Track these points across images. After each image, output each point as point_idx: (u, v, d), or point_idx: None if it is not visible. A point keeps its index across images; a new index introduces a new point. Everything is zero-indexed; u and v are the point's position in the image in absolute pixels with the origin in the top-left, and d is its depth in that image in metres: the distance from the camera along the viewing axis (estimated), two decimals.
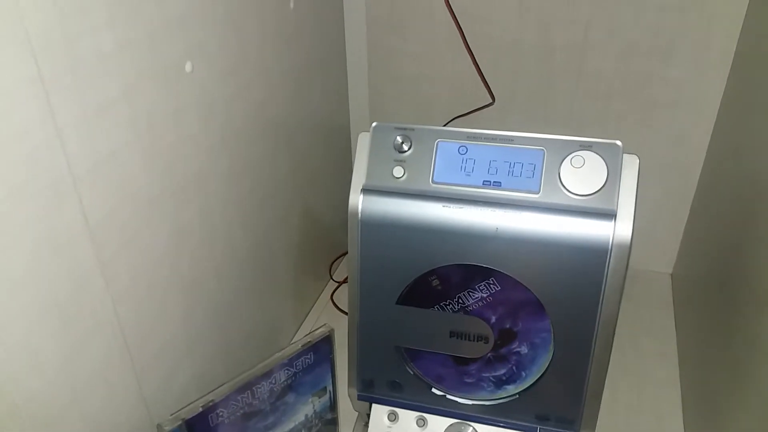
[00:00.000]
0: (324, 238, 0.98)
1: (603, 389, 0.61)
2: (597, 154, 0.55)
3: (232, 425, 0.61)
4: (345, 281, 0.99)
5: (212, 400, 0.59)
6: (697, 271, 0.86)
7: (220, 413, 0.59)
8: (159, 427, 0.56)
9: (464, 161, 0.58)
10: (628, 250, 0.55)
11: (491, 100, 0.93)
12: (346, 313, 0.87)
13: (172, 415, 0.57)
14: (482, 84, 0.92)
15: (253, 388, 0.62)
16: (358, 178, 0.60)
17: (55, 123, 0.42)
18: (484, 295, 0.61)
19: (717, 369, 0.67)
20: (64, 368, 0.46)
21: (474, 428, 0.66)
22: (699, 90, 0.87)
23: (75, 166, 0.45)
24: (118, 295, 0.51)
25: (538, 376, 0.62)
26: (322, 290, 0.98)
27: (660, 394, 0.79)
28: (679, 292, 0.95)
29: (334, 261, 1.02)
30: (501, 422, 0.65)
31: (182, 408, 0.57)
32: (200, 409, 0.58)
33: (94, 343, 0.49)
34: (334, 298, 0.96)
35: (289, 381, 0.65)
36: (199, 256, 0.62)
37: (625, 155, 0.56)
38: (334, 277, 1.00)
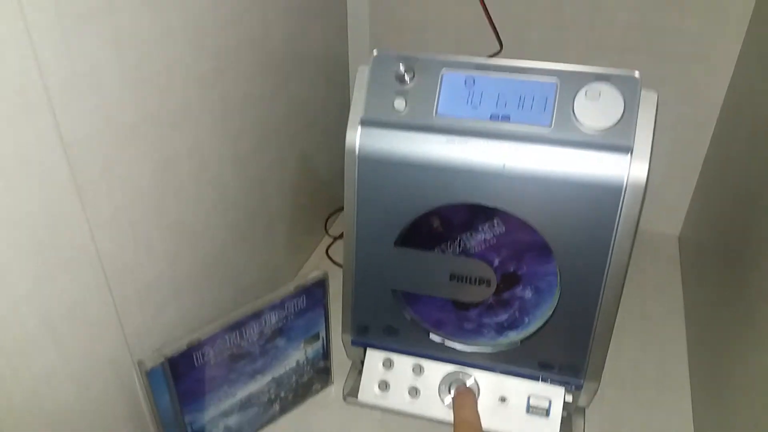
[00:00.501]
0: (320, 191, 0.94)
1: (611, 336, 0.59)
2: (614, 86, 0.51)
3: (219, 366, 0.58)
4: (341, 236, 0.95)
5: (198, 338, 0.56)
6: (705, 233, 0.83)
7: (206, 352, 0.57)
8: (140, 363, 0.53)
9: (471, 93, 0.54)
10: (643, 189, 0.51)
11: (499, 48, 0.88)
12: (341, 266, 0.85)
13: (154, 351, 0.54)
14: (490, 31, 0.88)
15: (242, 329, 0.59)
16: (357, 111, 0.56)
17: (26, 24, 0.38)
18: (488, 237, 0.57)
19: (724, 327, 0.65)
20: (34, 293, 0.43)
21: (473, 376, 0.63)
22: (716, 43, 0.83)
23: (48, 74, 0.41)
24: (97, 224, 0.48)
25: (542, 323, 0.59)
26: (317, 245, 0.95)
27: (665, 350, 0.77)
28: (686, 254, 0.92)
29: (330, 216, 0.99)
30: (502, 370, 0.62)
31: (166, 344, 0.55)
32: (185, 347, 0.55)
33: (69, 271, 0.46)
34: (329, 252, 0.93)
35: (280, 324, 0.62)
36: (187, 195, 0.59)
37: (642, 90, 0.52)
38: (330, 233, 0.97)
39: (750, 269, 0.59)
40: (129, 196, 0.51)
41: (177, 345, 0.55)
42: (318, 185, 0.93)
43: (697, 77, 0.85)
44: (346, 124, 0.56)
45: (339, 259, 0.90)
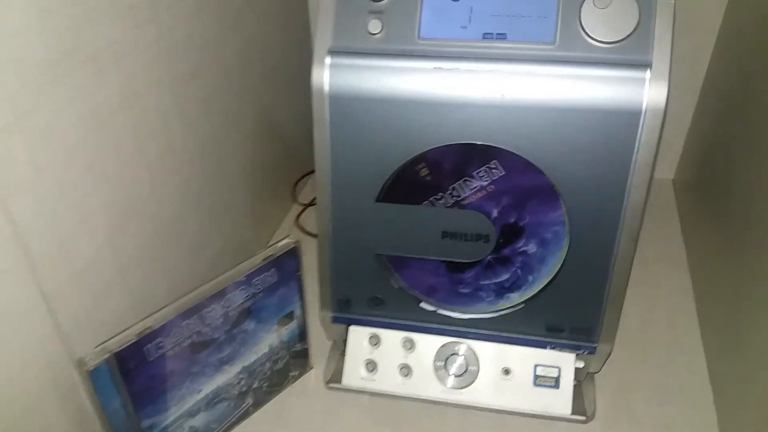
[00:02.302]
0: (286, 153, 0.84)
1: (625, 292, 0.51)
2: None
3: (178, 358, 0.49)
4: (312, 203, 0.86)
5: (149, 327, 0.47)
6: (701, 175, 0.78)
7: (161, 343, 0.47)
8: (80, 362, 0.44)
9: (459, 9, 0.45)
10: (663, 112, 0.44)
11: None
12: (315, 236, 0.76)
13: (96, 347, 0.45)
14: None
15: (203, 312, 0.50)
16: (323, 40, 0.47)
17: None
18: (485, 184, 0.49)
19: (730, 273, 0.59)
20: None
21: (470, 347, 0.56)
22: None
23: None
24: (9, 183, 0.38)
25: (549, 280, 0.52)
26: (286, 214, 0.86)
27: (672, 302, 0.71)
28: (682, 198, 0.86)
29: (299, 181, 0.89)
30: (504, 338, 0.55)
31: (111, 338, 0.45)
32: (134, 338, 0.46)
33: None
34: (300, 221, 0.84)
35: (247, 304, 0.53)
36: (126, 153, 0.49)
37: None
38: (299, 200, 0.87)
39: (750, 208, 0.53)
40: (52, 149, 0.41)
41: (125, 337, 0.46)
42: (283, 145, 0.83)
43: (692, 3, 0.78)
44: (310, 69, 0.47)
45: (311, 228, 0.81)
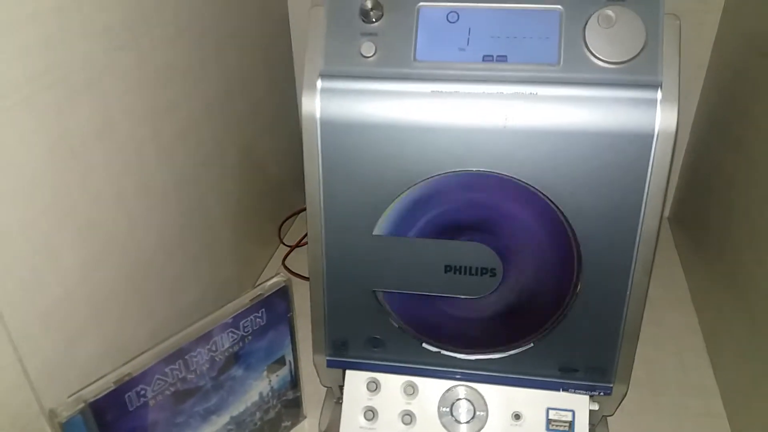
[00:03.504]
0: (271, 192, 0.82)
1: (640, 327, 0.48)
2: (631, 9, 0.42)
3: (161, 408, 0.45)
4: (299, 244, 0.83)
5: (129, 374, 0.43)
6: (696, 213, 0.76)
7: (142, 391, 0.43)
8: (51, 413, 0.40)
9: (456, 31, 0.43)
10: (675, 133, 0.42)
11: None
12: (305, 278, 0.72)
13: (70, 396, 0.40)
14: None
15: (187, 357, 0.46)
16: (314, 63, 0.45)
17: None
18: (489, 214, 0.46)
19: (736, 309, 0.57)
20: None
21: (478, 391, 0.52)
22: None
23: None
24: None
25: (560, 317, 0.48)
26: (271, 257, 0.82)
27: (682, 343, 0.68)
28: (679, 235, 0.84)
29: (284, 221, 0.86)
30: (514, 380, 0.51)
31: (86, 386, 0.41)
32: (112, 387, 0.42)
33: None
34: (287, 263, 0.80)
35: (235, 348, 0.49)
36: (99, 186, 0.46)
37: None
38: (285, 242, 0.84)
39: (750, 242, 0.52)
40: (14, 178, 0.38)
41: (101, 385, 0.42)
42: (267, 184, 0.80)
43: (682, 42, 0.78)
44: (297, 109, 0.45)
45: (300, 270, 0.78)
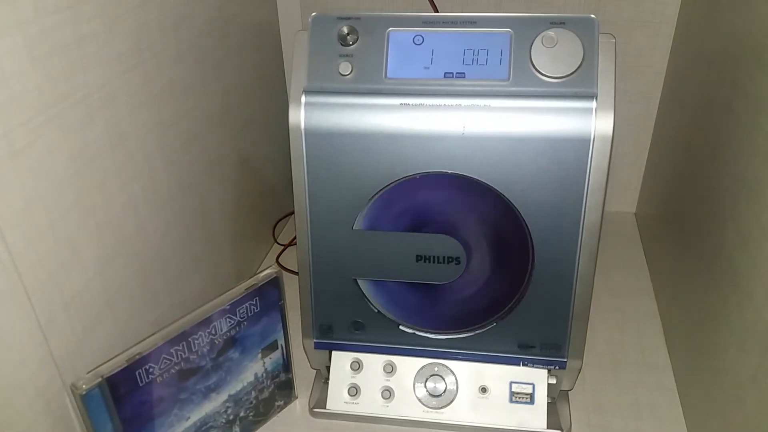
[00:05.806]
0: (266, 196, 0.88)
1: (590, 308, 0.55)
2: (570, 30, 0.48)
3: (167, 384, 0.51)
4: (291, 243, 0.89)
5: (139, 353, 0.49)
6: (661, 207, 0.82)
7: (151, 369, 0.50)
8: (73, 386, 0.46)
9: (421, 52, 0.50)
10: (611, 137, 0.48)
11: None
12: (296, 273, 0.79)
13: (89, 372, 0.47)
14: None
15: (190, 339, 0.52)
16: (299, 80, 0.52)
17: None
18: (453, 209, 0.53)
19: (694, 298, 0.63)
20: None
21: (449, 367, 0.58)
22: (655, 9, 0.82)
23: None
24: (3, 214, 0.41)
25: (518, 298, 0.55)
26: (266, 255, 0.89)
27: (640, 327, 0.74)
28: (645, 230, 0.90)
29: (278, 222, 0.93)
30: (480, 356, 0.58)
31: (102, 363, 0.47)
32: (125, 364, 0.48)
33: None
34: (280, 260, 0.87)
35: (232, 332, 0.56)
36: (113, 191, 0.52)
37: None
38: (279, 241, 0.91)
39: (707, 236, 0.58)
40: (42, 186, 0.44)
41: (115, 362, 0.48)
42: (262, 188, 0.87)
43: (641, 42, 0.84)
44: (287, 120, 0.51)
45: (293, 266, 0.84)
